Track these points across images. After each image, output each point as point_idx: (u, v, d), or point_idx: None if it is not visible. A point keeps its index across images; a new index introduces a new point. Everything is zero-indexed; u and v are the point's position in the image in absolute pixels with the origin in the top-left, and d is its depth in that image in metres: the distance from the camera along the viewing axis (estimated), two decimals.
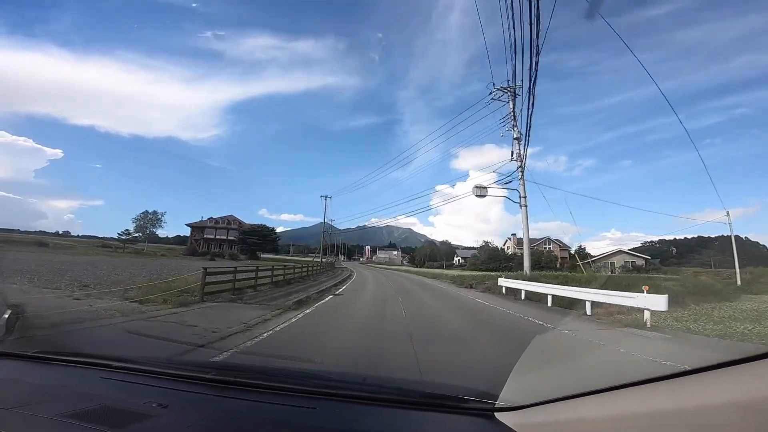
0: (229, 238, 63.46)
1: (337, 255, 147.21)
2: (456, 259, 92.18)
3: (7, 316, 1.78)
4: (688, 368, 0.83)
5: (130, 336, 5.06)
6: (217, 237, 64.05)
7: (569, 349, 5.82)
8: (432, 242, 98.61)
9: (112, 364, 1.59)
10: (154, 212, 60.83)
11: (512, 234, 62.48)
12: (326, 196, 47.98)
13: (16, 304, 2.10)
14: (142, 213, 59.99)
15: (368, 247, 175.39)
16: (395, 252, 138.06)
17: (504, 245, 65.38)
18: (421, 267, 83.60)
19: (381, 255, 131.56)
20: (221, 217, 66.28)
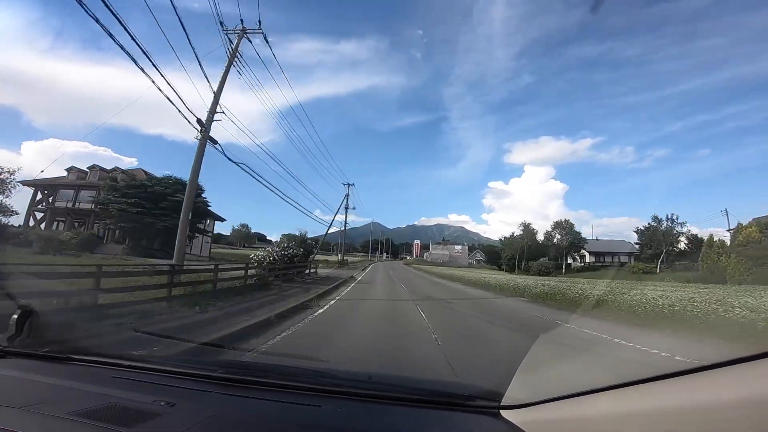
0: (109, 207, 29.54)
1: (379, 253, 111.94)
2: (577, 257, 50.74)
3: (16, 315, 1.74)
4: (698, 365, 0.80)
5: None
6: (85, 207, 30.69)
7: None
8: (528, 228, 56.22)
9: (120, 362, 1.61)
10: None
11: None
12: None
13: (26, 303, 1.91)
14: None
15: (417, 242, 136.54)
16: (458, 247, 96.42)
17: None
18: (514, 271, 43.94)
19: (436, 252, 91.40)
20: (95, 168, 32.75)
